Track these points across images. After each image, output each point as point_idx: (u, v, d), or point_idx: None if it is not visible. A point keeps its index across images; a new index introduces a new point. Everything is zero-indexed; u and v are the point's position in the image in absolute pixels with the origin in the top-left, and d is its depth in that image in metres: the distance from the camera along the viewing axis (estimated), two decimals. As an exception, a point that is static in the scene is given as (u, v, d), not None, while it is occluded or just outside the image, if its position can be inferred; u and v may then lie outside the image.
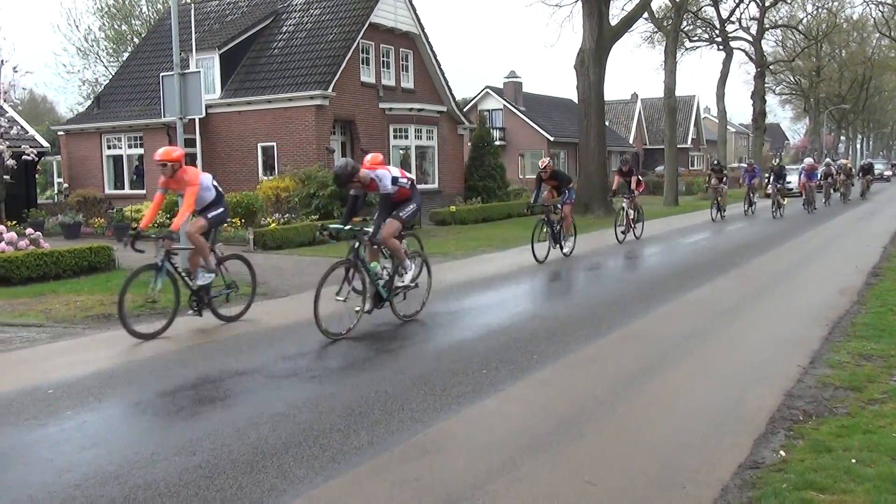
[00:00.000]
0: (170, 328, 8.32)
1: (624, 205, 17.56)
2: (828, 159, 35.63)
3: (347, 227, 8.38)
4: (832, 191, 30.89)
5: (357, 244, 8.20)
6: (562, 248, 14.27)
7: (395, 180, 8.56)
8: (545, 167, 14.04)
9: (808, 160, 28.44)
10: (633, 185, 17.76)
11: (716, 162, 26.02)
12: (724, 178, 24.25)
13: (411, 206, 8.90)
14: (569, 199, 14.17)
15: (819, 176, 29.41)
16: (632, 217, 17.62)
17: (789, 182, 34.82)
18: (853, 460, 4.46)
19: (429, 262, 9.66)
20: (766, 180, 25.57)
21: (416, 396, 5.91)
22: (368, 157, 9.04)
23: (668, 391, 6.18)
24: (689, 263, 13.88)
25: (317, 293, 7.81)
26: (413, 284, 8.94)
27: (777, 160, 27.62)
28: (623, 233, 17.35)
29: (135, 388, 6.37)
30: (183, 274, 8.65)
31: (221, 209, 9.17)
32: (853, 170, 37.83)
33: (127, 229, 20.16)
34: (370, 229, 8.24)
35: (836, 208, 28.44)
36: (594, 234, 19.73)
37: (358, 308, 8.31)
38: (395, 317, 8.81)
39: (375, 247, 8.52)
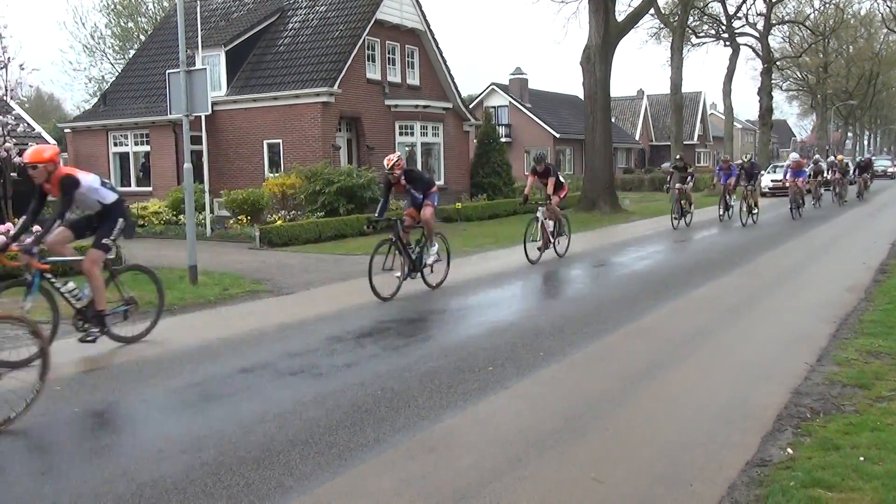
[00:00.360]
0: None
1: (539, 215, 13.59)
2: (816, 156, 31.68)
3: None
4: (822, 191, 27.78)
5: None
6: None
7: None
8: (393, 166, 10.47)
9: (794, 156, 25.07)
10: (551, 190, 13.79)
11: (678, 157, 22.83)
12: (691, 178, 20.94)
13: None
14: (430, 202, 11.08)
15: (808, 174, 26.26)
16: (550, 230, 13.81)
17: (776, 180, 33.09)
18: (861, 458, 4.45)
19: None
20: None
21: (423, 394, 5.91)
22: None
23: (674, 389, 6.17)
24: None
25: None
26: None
27: (748, 156, 23.91)
28: (539, 249, 13.58)
29: (143, 386, 6.38)
30: (61, 289, 7.34)
31: (117, 224, 7.63)
32: (850, 167, 33.22)
33: (134, 226, 20.22)
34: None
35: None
36: (598, 232, 19.73)
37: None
38: (409, 310, 8.81)
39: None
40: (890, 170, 55.16)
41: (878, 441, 4.70)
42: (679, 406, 5.72)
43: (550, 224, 13.87)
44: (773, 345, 7.47)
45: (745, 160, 22.44)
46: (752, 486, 4.21)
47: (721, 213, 21.87)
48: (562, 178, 14.41)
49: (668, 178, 22.18)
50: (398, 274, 10.26)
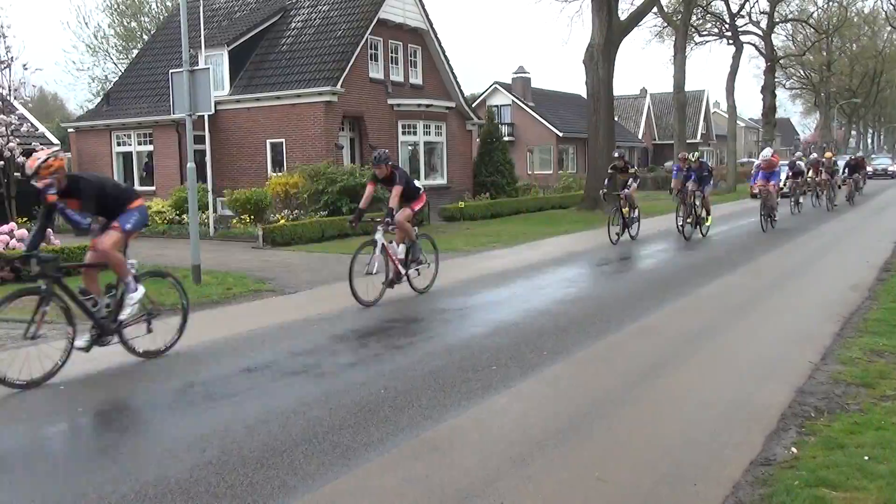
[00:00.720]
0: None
1: (377, 238, 9.90)
2: (798, 153, 27.77)
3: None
4: (802, 195, 24.16)
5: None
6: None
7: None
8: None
9: (766, 153, 19.29)
10: (395, 202, 9.96)
11: (617, 155, 18.90)
12: (634, 180, 17.94)
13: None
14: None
15: (785, 175, 22.94)
16: (399, 257, 10.21)
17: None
18: (866, 457, 4.44)
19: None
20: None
21: (426, 393, 5.91)
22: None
23: (677, 388, 6.16)
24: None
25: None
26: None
27: (695, 154, 18.69)
28: (384, 284, 9.98)
29: (147, 386, 6.38)
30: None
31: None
32: (839, 165, 28.27)
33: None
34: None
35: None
36: (600, 231, 19.68)
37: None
38: (411, 309, 8.81)
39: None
40: (890, 169, 53.31)
41: (883, 440, 4.69)
42: (683, 405, 5.71)
43: (400, 249, 10.26)
44: (778, 344, 7.46)
45: (693, 159, 17.85)
46: (756, 486, 4.20)
47: (679, 223, 17.33)
48: (417, 184, 10.97)
49: (606, 182, 18.72)
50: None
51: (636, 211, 17.70)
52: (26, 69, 15.94)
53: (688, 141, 41.56)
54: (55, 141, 24.39)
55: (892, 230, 17.86)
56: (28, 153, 18.46)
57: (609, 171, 18.44)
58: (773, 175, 18.67)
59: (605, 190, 18.16)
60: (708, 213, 17.72)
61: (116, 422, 5.52)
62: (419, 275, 10.61)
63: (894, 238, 16.07)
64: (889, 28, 56.18)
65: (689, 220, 16.99)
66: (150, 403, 5.92)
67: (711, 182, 18.51)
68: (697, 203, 17.31)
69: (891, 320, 8.04)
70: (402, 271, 10.20)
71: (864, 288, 10.25)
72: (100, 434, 5.20)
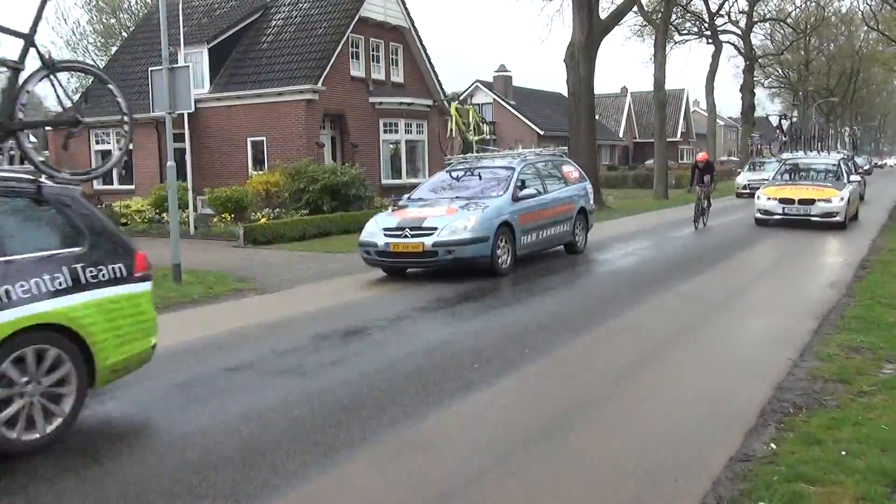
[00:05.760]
0: None
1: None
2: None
3: None
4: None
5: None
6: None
7: None
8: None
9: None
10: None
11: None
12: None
13: None
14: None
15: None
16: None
17: (753, 180, 29.12)
18: (843, 452, 4.49)
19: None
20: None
21: (409, 392, 5.92)
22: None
23: (658, 385, 6.20)
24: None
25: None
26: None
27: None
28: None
29: (127, 386, 6.33)
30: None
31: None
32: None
33: (116, 224, 20.10)
34: None
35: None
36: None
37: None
38: (394, 308, 8.80)
39: None
40: (865, 166, 52.91)
41: (860, 435, 4.75)
42: (663, 402, 5.75)
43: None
44: (757, 341, 7.53)
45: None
46: (735, 481, 4.25)
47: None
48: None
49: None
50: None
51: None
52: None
53: (668, 139, 41.80)
54: (33, 139, 24.08)
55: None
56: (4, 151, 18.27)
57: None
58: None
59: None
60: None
61: (97, 422, 5.47)
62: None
63: (872, 235, 16.26)
64: (865, 28, 56.71)
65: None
66: (131, 403, 5.88)
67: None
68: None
69: (868, 317, 8.13)
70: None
71: (841, 285, 10.36)
72: (81, 435, 5.16)
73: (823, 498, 3.96)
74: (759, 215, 18.15)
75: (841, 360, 6.54)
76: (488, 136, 17.95)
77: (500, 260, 11.46)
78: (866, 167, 54.90)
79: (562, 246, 13.90)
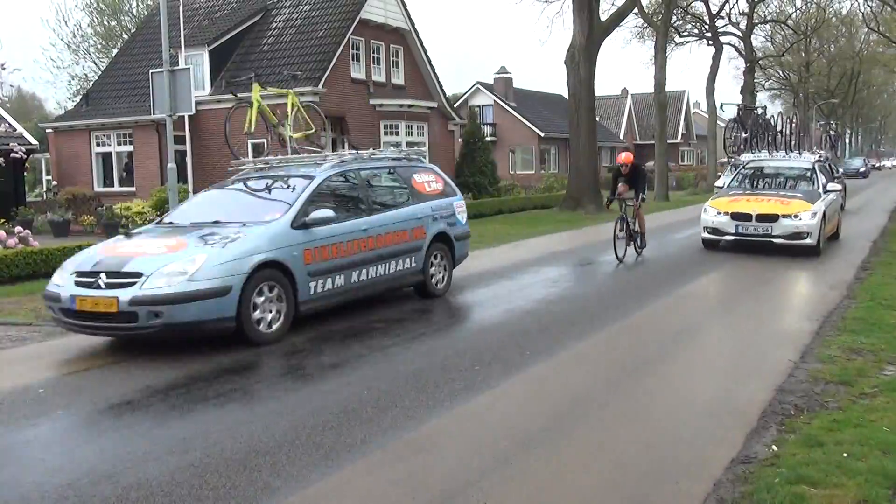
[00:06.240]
0: None
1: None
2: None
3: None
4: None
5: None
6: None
7: None
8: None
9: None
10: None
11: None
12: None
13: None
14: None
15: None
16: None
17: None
18: (845, 454, 4.49)
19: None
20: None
21: (409, 394, 5.91)
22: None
23: (660, 386, 6.20)
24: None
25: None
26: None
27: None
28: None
29: (127, 387, 6.33)
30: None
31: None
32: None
33: (117, 227, 20.10)
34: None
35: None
36: (583, 230, 19.78)
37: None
38: (395, 309, 8.81)
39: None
40: (861, 169, 54.40)
41: (861, 437, 4.74)
42: (665, 404, 5.75)
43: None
44: (758, 342, 7.52)
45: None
46: (737, 483, 4.24)
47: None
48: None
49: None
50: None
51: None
52: (4, 69, 15.73)
53: (669, 141, 41.85)
54: (33, 141, 24.13)
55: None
56: (5, 154, 18.28)
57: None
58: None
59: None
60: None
61: (97, 422, 5.47)
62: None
63: (872, 237, 16.25)
64: (866, 29, 56.75)
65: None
66: (131, 405, 5.87)
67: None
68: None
69: (869, 319, 8.13)
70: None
71: (842, 287, 10.36)
72: (81, 435, 5.15)
73: (825, 500, 3.95)
74: (706, 235, 14.13)
75: (842, 362, 6.53)
76: (326, 133, 15.23)
77: (259, 322, 7.49)
78: (862, 169, 55.09)
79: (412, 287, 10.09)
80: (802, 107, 67.37)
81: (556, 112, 48.65)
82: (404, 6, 26.90)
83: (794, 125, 20.57)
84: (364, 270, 8.77)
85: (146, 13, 38.99)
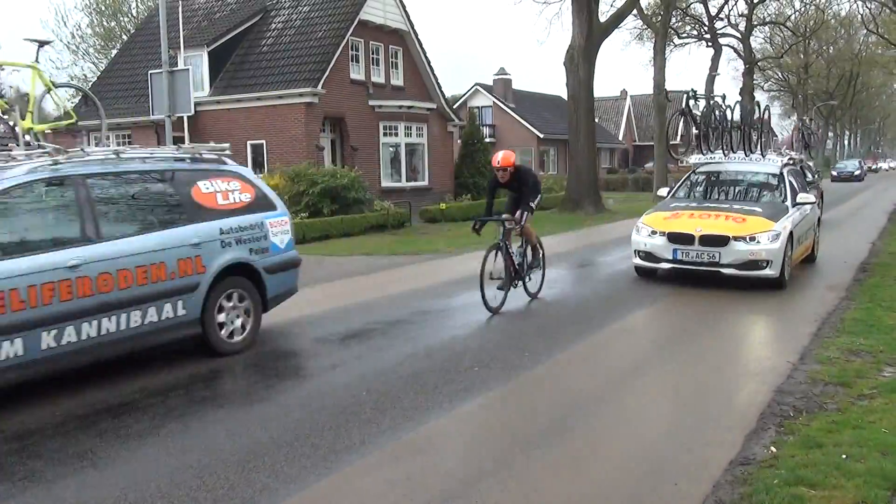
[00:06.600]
0: None
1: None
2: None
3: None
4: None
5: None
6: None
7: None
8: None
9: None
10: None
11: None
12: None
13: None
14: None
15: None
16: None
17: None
18: (843, 456, 4.49)
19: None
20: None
21: (408, 395, 5.91)
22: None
23: (658, 388, 6.20)
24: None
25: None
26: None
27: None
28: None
29: (125, 389, 6.32)
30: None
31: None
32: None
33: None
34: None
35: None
36: (582, 232, 19.78)
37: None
38: (394, 311, 8.79)
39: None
40: (856, 172, 52.60)
41: (860, 439, 4.74)
42: (664, 405, 5.75)
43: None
44: (757, 344, 7.52)
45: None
46: (736, 485, 4.24)
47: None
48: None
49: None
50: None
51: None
52: (3, 70, 15.74)
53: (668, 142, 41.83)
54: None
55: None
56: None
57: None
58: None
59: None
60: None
61: (96, 425, 5.46)
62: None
63: (871, 238, 16.26)
64: (865, 31, 56.80)
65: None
66: (129, 406, 5.86)
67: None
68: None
69: (867, 320, 8.13)
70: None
71: (841, 288, 10.35)
72: (78, 438, 5.14)
73: (823, 501, 3.95)
74: (637, 261, 11.08)
75: (841, 364, 6.53)
76: (102, 125, 8.74)
77: None
78: (857, 172, 53.38)
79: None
80: (801, 108, 67.49)
81: (556, 113, 48.67)
82: (403, 7, 26.91)
83: (757, 117, 14.78)
84: (69, 329, 5.90)
85: (145, 14, 39.00)
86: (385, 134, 25.80)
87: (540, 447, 4.85)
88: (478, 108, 45.14)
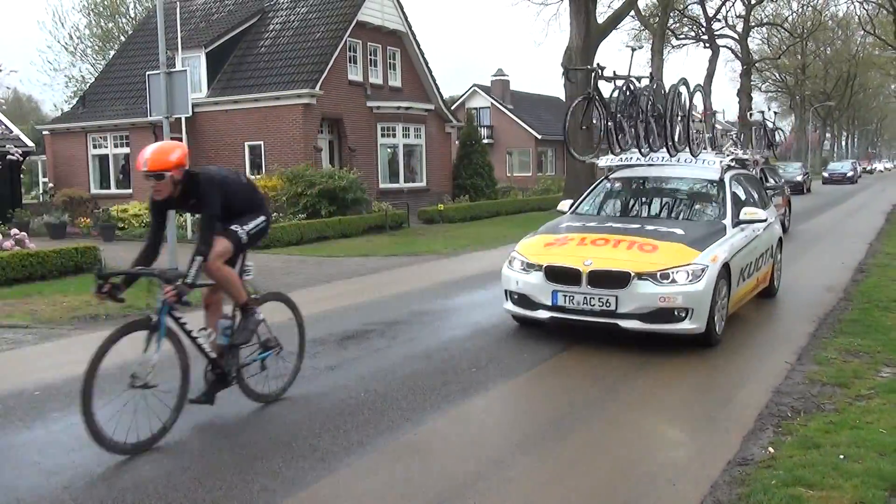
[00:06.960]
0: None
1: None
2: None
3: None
4: None
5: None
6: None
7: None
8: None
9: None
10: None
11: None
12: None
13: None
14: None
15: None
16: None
17: None
18: (841, 456, 4.49)
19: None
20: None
21: (406, 396, 5.90)
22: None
23: (657, 389, 6.20)
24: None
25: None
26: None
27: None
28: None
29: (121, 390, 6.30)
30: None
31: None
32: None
33: (114, 229, 20.08)
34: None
35: None
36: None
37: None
38: (391, 312, 8.76)
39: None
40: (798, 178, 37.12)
41: (858, 439, 4.75)
42: (662, 406, 5.75)
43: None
44: (754, 344, 7.52)
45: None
46: (734, 485, 4.24)
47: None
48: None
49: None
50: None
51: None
52: (1, 71, 15.73)
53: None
54: (30, 143, 24.11)
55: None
56: (2, 156, 18.24)
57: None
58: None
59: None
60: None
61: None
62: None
63: (869, 239, 16.27)
64: (862, 32, 56.92)
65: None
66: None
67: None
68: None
69: (865, 321, 8.13)
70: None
71: (838, 289, 10.36)
72: (75, 439, 5.13)
73: (821, 502, 3.95)
74: (509, 307, 7.98)
75: (838, 364, 6.54)
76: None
77: None
78: (850, 174, 48.66)
79: None
80: (798, 109, 67.61)
81: (554, 114, 48.62)
82: (401, 8, 26.93)
83: (683, 102, 9.96)
84: None
85: (143, 15, 38.97)
86: (383, 135, 25.81)
87: (538, 448, 4.85)
88: (476, 109, 45.11)
